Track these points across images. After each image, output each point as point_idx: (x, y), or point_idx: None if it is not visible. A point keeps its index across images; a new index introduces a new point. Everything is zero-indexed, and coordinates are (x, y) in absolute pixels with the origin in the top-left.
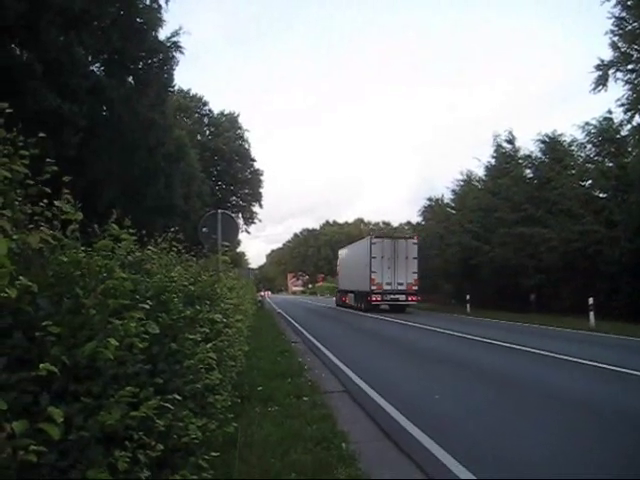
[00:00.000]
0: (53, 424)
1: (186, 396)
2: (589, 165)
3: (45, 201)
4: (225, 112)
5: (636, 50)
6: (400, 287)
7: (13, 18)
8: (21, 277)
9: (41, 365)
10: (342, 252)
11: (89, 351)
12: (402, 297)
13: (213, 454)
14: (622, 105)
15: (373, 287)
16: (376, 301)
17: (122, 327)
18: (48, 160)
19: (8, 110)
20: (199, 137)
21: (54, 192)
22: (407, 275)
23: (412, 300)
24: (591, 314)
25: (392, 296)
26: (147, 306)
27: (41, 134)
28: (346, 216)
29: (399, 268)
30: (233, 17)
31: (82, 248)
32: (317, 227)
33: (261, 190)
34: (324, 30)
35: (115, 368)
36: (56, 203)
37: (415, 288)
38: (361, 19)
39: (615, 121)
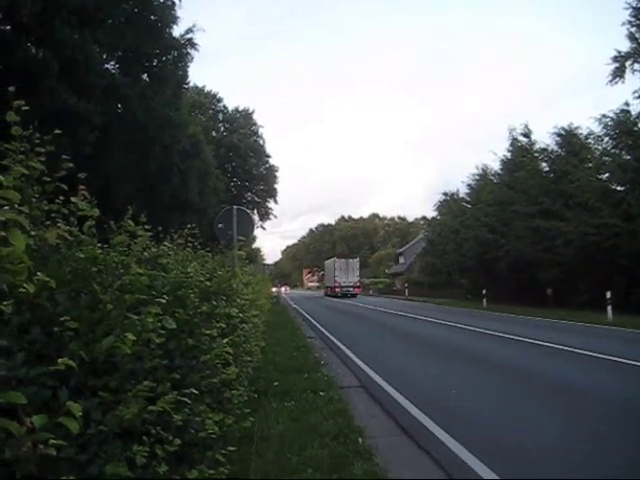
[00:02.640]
0: (72, 418)
1: (203, 391)
2: (606, 158)
3: (62, 198)
4: (240, 108)
5: None
6: (350, 284)
7: (28, 16)
8: (39, 273)
9: (59, 360)
10: (325, 263)
11: (107, 346)
12: (351, 289)
13: (230, 449)
14: None
15: (336, 284)
16: (338, 292)
17: (139, 322)
18: (64, 157)
19: (24, 108)
20: (214, 133)
21: (70, 189)
22: (354, 277)
23: (357, 291)
24: (609, 308)
25: (345, 289)
26: (164, 301)
27: (57, 131)
28: (361, 212)
29: (349, 274)
30: (245, 17)
31: (99, 244)
32: (332, 223)
33: (276, 186)
34: (341, 32)
35: (132, 363)
36: (72, 200)
37: (358, 284)
38: (377, 19)
39: (632, 113)
